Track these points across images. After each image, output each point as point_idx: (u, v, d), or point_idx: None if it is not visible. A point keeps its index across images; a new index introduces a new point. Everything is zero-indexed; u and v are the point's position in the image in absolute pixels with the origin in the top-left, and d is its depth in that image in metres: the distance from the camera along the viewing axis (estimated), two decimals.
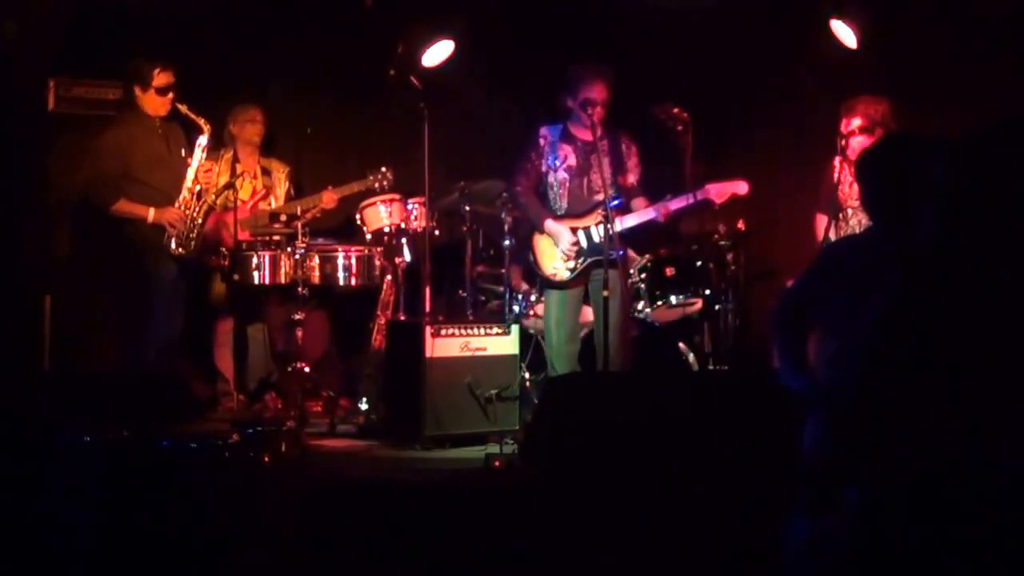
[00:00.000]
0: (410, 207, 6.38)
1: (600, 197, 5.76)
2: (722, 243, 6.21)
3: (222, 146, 6.60)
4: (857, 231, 5.36)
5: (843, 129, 5.52)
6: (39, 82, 6.65)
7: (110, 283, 6.53)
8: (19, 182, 6.49)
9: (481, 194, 6.36)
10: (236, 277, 6.17)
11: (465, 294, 6.31)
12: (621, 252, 5.65)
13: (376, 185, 6.52)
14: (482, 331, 5.81)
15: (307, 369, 6.14)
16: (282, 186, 6.80)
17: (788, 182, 6.79)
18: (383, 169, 6.54)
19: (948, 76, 6.20)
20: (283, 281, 6.13)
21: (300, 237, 6.06)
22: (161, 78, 6.11)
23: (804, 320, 3.05)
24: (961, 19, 6.20)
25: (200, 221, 6.18)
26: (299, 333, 6.13)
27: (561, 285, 5.86)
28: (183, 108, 6.15)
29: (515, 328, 5.91)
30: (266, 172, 6.76)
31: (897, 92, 5.76)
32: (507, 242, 6.23)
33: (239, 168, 6.58)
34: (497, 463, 4.98)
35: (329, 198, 6.47)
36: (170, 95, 6.15)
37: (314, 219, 6.53)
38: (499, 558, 4.00)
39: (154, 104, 6.15)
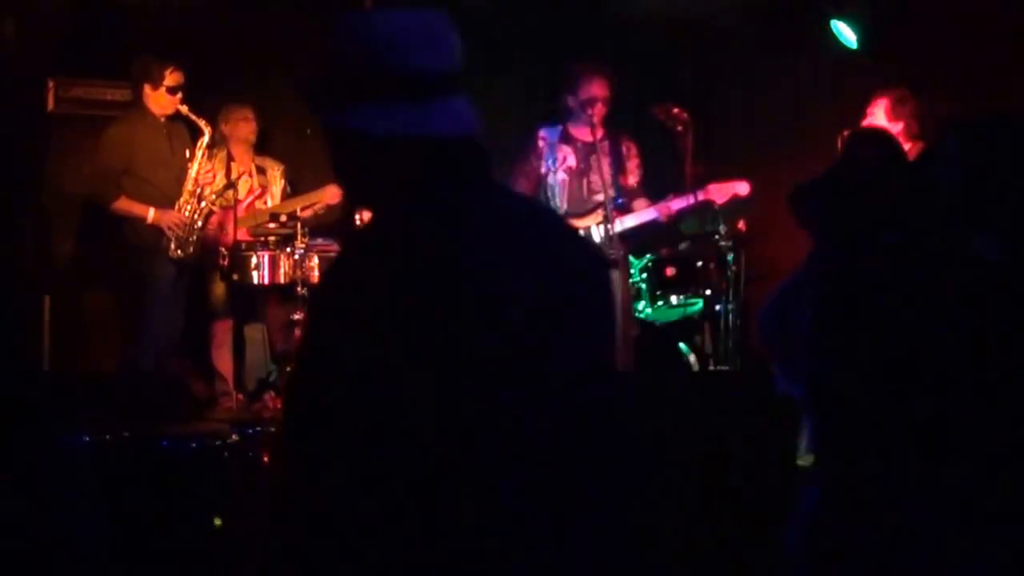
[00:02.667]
0: None
1: (600, 197, 5.75)
2: (722, 243, 6.20)
3: (215, 145, 6.59)
4: None
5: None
6: (38, 82, 6.65)
7: (109, 283, 6.53)
8: (18, 182, 6.49)
9: None
10: (235, 277, 6.16)
11: None
12: (622, 252, 5.65)
13: None
14: None
15: None
16: (278, 184, 6.79)
17: (788, 182, 6.78)
18: None
19: (948, 76, 6.19)
20: (282, 281, 6.12)
21: (299, 237, 6.06)
22: (173, 77, 6.11)
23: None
24: (962, 19, 6.19)
25: (200, 224, 6.18)
26: (298, 333, 6.12)
27: None
28: (184, 109, 6.15)
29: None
30: (261, 171, 6.75)
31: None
32: None
33: (235, 167, 6.58)
34: None
35: (333, 193, 6.45)
36: (179, 95, 6.15)
37: (316, 215, 6.52)
38: None
39: (162, 103, 6.15)
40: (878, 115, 5.47)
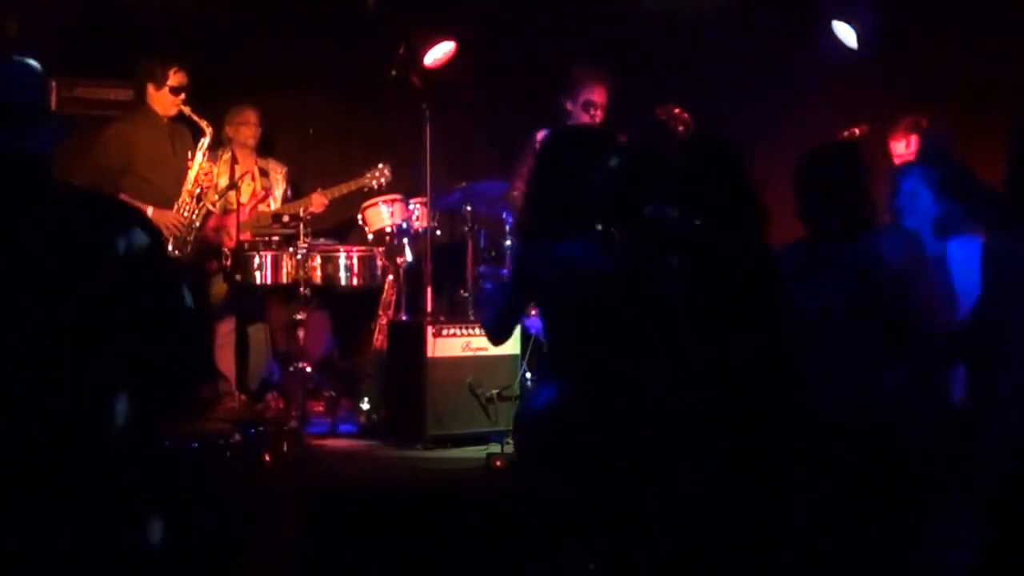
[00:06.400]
0: (411, 207, 6.39)
1: None
2: None
3: (220, 147, 6.60)
4: None
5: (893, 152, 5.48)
6: None
7: None
8: None
9: (482, 194, 6.37)
10: (238, 277, 6.18)
11: (466, 294, 6.32)
12: None
13: (373, 182, 6.53)
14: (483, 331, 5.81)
15: (309, 369, 6.15)
16: (280, 186, 6.80)
17: (788, 183, 6.79)
18: (380, 165, 6.54)
19: (949, 76, 6.20)
20: (285, 281, 6.13)
21: (302, 237, 6.08)
22: (176, 78, 6.14)
23: None
24: (962, 19, 6.20)
25: (198, 224, 6.20)
26: (301, 333, 6.14)
27: None
28: (187, 110, 6.17)
29: (516, 328, 5.91)
30: (264, 173, 6.75)
31: (898, 93, 5.77)
32: (508, 242, 6.24)
33: (238, 169, 6.58)
34: (498, 463, 5.00)
35: (319, 202, 6.45)
36: (182, 95, 6.17)
37: (307, 218, 6.52)
38: (499, 558, 4.01)
39: (165, 104, 6.18)
40: (898, 146, 5.49)
